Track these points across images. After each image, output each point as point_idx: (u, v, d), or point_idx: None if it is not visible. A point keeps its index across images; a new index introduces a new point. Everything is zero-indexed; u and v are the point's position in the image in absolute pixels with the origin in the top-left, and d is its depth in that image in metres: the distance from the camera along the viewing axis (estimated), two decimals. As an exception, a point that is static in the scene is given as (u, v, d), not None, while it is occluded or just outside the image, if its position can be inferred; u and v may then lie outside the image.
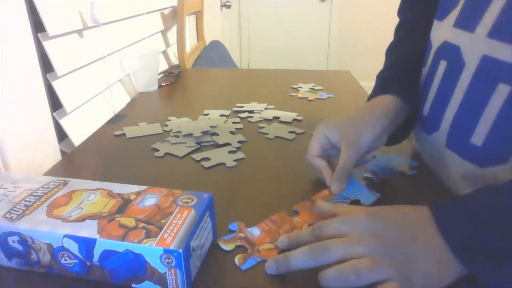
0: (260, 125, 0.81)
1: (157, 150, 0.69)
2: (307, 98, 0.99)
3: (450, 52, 0.51)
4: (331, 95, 1.01)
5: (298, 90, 1.06)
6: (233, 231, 0.47)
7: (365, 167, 0.61)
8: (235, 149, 0.69)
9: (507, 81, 0.42)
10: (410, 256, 0.37)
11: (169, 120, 0.83)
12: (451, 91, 0.50)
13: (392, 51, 0.67)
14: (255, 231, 0.47)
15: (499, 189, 0.39)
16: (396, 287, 0.36)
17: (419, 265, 0.37)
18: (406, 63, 0.63)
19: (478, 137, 0.46)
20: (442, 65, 0.53)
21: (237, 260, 0.42)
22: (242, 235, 0.46)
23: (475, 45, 0.46)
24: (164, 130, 0.78)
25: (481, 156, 0.47)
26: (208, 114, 0.87)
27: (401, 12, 0.71)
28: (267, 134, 0.76)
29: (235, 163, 0.64)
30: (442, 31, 0.53)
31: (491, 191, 0.39)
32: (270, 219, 0.49)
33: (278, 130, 0.78)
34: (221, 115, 0.86)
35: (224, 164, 0.64)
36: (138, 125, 0.81)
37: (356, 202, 0.51)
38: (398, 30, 0.69)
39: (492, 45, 0.44)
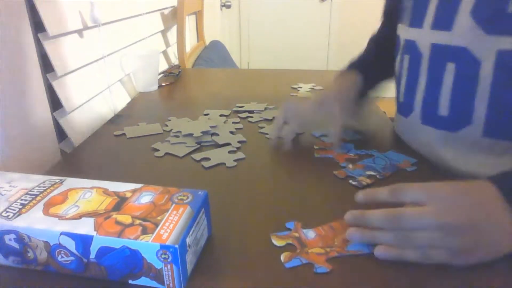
0: (260, 125, 0.81)
1: (157, 150, 0.69)
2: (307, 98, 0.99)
3: (410, 47, 0.62)
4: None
5: (298, 90, 1.06)
6: (289, 229, 0.47)
7: (367, 166, 0.62)
8: (235, 149, 0.69)
9: (451, 59, 0.55)
10: (483, 234, 0.40)
11: (169, 120, 0.83)
12: (416, 78, 0.61)
13: (371, 43, 0.83)
14: (310, 234, 0.46)
15: None
16: (443, 254, 0.40)
17: (487, 242, 0.40)
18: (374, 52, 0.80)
19: (444, 108, 0.57)
20: (406, 59, 0.64)
21: (283, 257, 0.43)
22: (296, 234, 0.46)
23: (425, 37, 0.58)
24: (164, 130, 0.78)
25: (450, 123, 0.57)
26: (208, 114, 0.87)
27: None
28: (267, 134, 0.76)
29: (235, 163, 0.64)
30: (404, 32, 0.65)
31: None
32: (329, 225, 0.48)
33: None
34: (221, 115, 0.86)
35: (224, 164, 0.64)
36: (138, 125, 0.81)
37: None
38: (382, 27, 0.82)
39: (436, 34, 0.56)
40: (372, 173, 0.59)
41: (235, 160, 0.65)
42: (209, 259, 0.42)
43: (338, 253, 0.43)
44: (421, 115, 0.61)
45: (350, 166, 0.62)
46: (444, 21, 0.55)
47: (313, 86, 1.09)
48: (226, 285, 0.39)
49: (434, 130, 0.60)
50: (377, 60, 0.79)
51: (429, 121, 0.60)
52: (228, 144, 0.71)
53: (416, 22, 0.60)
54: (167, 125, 0.80)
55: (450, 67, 0.55)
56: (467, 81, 0.53)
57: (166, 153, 0.68)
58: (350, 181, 0.58)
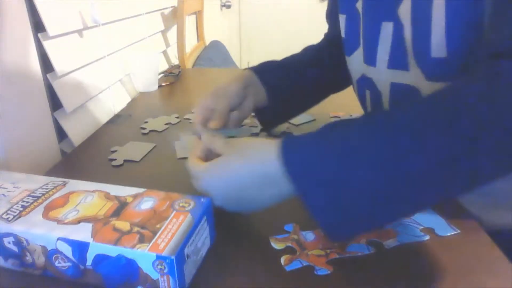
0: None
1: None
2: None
3: (368, 83, 0.59)
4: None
5: None
6: (287, 232, 0.47)
7: None
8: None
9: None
10: (227, 170, 0.41)
11: (146, 122, 0.83)
12: None
13: (305, 51, 0.77)
14: (309, 236, 0.47)
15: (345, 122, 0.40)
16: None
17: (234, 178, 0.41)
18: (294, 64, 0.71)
19: None
20: (368, 93, 0.61)
21: (283, 259, 0.43)
22: (295, 237, 0.46)
23: (381, 76, 0.55)
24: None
25: None
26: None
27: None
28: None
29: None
30: (357, 65, 0.61)
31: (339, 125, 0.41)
32: None
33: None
34: None
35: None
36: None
37: (429, 230, 0.48)
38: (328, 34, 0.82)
39: (394, 74, 0.53)
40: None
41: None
42: (211, 269, 0.42)
43: (338, 254, 0.43)
44: None
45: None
46: (399, 61, 0.52)
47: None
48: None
49: None
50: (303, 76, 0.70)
51: None
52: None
53: (370, 60, 0.57)
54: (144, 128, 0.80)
55: None
56: None
57: (167, 154, 0.68)
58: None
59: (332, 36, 0.78)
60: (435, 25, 0.45)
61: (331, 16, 0.77)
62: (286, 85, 0.68)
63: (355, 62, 0.62)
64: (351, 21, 0.60)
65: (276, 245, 0.45)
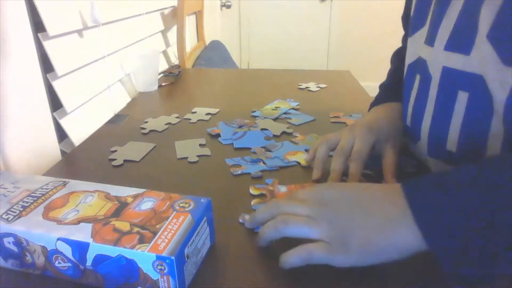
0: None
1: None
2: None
3: (421, 66, 0.54)
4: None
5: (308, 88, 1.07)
6: (267, 184, 0.57)
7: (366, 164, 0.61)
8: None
9: (464, 88, 0.46)
10: (352, 222, 0.38)
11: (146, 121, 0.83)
12: (424, 103, 0.53)
13: (395, 57, 0.73)
14: (282, 189, 0.56)
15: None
16: (320, 248, 0.38)
17: (361, 231, 0.37)
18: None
19: (452, 143, 0.49)
20: (417, 78, 0.56)
21: (253, 202, 0.53)
22: (271, 188, 0.56)
23: (436, 58, 0.50)
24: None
25: (458, 160, 0.49)
26: (195, 112, 0.89)
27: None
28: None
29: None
30: (416, 47, 0.57)
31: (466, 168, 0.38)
32: (301, 185, 0.57)
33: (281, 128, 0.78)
34: (207, 114, 0.88)
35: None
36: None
37: None
38: (404, 36, 0.71)
39: (448, 57, 0.48)
40: (368, 172, 0.59)
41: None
42: (211, 270, 0.42)
43: None
44: (428, 147, 0.54)
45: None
46: (461, 42, 0.46)
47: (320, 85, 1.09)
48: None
49: (443, 164, 0.52)
50: None
51: (436, 155, 0.53)
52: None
53: (429, 39, 0.52)
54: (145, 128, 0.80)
55: (463, 97, 0.46)
56: (480, 115, 0.45)
57: (167, 154, 0.68)
58: (344, 177, 0.57)
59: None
60: None
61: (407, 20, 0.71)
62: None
63: (416, 43, 0.57)
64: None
65: (253, 191, 0.55)
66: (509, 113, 0.42)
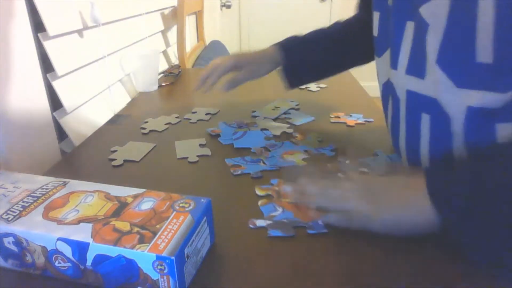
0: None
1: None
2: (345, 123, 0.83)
3: (391, 88, 0.56)
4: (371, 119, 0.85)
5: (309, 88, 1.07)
6: (272, 184, 0.57)
7: (363, 163, 0.62)
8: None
9: (425, 110, 0.49)
10: (382, 194, 0.45)
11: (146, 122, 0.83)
12: (397, 122, 0.56)
13: (336, 25, 0.84)
14: (288, 188, 0.54)
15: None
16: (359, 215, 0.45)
17: (388, 200, 0.45)
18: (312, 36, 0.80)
19: (425, 161, 0.52)
20: (390, 99, 0.58)
21: (260, 202, 0.52)
22: (276, 188, 0.56)
23: (400, 81, 0.53)
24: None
25: None
26: (195, 112, 0.89)
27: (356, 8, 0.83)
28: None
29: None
30: (385, 69, 0.59)
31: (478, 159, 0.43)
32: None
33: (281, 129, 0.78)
34: (207, 114, 0.88)
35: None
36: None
37: None
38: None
39: (410, 80, 0.50)
40: (365, 170, 0.60)
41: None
42: (211, 270, 0.42)
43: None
44: (408, 163, 0.57)
45: (347, 161, 0.63)
46: (416, 67, 0.49)
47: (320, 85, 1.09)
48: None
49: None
50: (328, 43, 0.79)
51: (415, 167, 0.55)
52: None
53: (392, 62, 0.54)
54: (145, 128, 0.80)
55: (425, 119, 0.49)
56: (442, 135, 0.48)
57: (167, 154, 0.68)
58: (339, 174, 0.57)
59: (361, 17, 0.79)
60: (482, 27, 0.40)
61: (362, 3, 0.81)
62: (305, 54, 0.78)
63: (384, 64, 0.58)
64: (383, 20, 0.57)
65: (259, 192, 0.55)
66: (468, 134, 0.45)
